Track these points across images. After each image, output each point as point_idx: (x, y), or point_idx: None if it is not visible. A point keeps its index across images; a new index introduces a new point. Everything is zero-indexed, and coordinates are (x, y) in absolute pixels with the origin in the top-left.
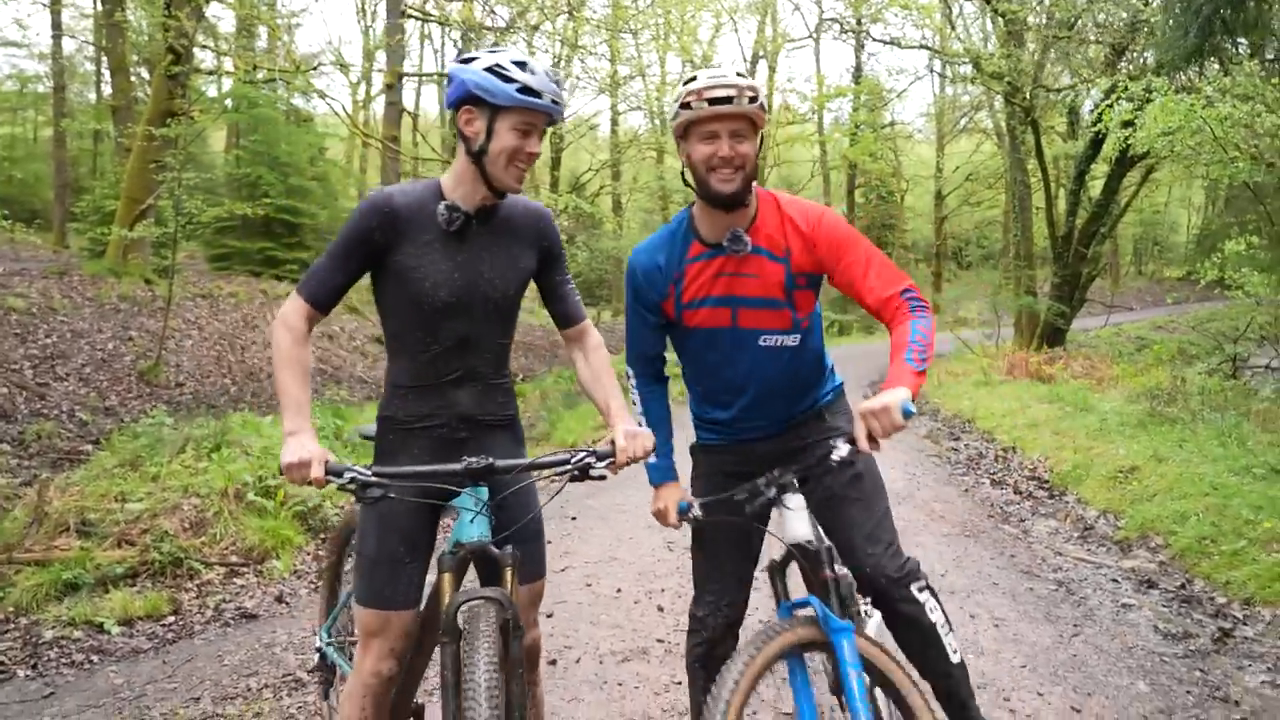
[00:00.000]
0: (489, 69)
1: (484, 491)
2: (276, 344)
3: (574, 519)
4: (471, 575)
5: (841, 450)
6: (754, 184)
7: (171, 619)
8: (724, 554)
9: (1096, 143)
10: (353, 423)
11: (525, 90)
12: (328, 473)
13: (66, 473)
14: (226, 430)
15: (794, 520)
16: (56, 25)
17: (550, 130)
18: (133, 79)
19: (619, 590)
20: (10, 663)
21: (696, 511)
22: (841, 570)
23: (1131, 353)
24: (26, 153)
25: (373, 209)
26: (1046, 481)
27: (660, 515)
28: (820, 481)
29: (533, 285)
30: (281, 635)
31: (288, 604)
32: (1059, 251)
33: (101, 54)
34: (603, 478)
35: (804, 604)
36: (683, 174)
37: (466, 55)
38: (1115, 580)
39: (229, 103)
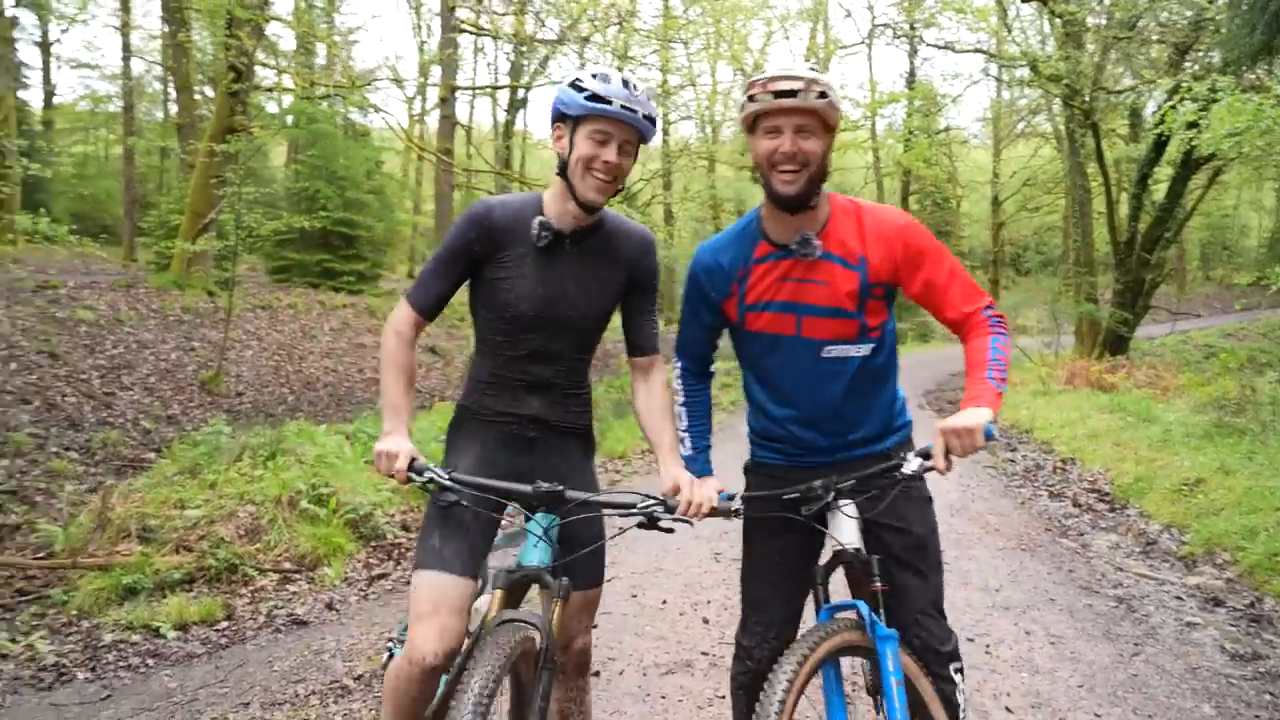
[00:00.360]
0: (571, 83)
1: (552, 518)
2: (385, 348)
3: (620, 528)
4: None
5: (912, 465)
6: (823, 187)
7: (225, 624)
8: (777, 581)
9: (1160, 145)
10: None
11: (594, 98)
12: (410, 469)
13: (130, 480)
14: (281, 439)
15: (848, 526)
16: (126, 47)
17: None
18: (197, 97)
19: (664, 601)
20: (71, 665)
21: (738, 504)
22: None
23: (1198, 361)
24: (98, 170)
25: (472, 221)
26: (1107, 494)
27: (695, 507)
28: (880, 501)
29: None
30: (330, 642)
31: (337, 611)
32: (1121, 257)
33: (168, 74)
34: (671, 530)
35: (848, 607)
36: (752, 172)
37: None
38: (1179, 597)
39: (290, 119)
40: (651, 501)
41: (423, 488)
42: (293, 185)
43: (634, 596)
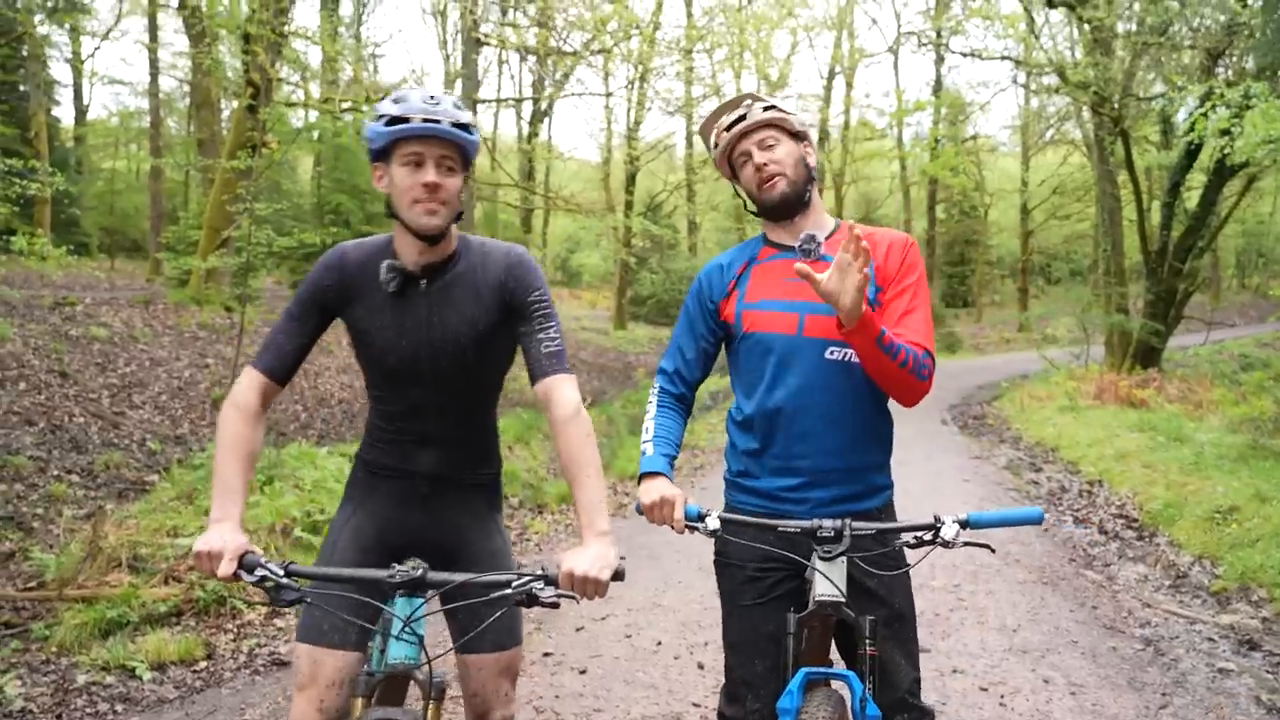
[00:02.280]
0: (375, 118)
1: (417, 603)
2: (221, 424)
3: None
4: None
5: (951, 531)
6: (815, 190)
7: (204, 664)
8: (771, 652)
9: (1191, 152)
10: None
11: (392, 121)
12: (241, 566)
13: (128, 504)
14: (280, 463)
15: (833, 576)
16: (154, 63)
17: (627, 152)
18: (224, 113)
19: (659, 644)
20: (38, 710)
21: (714, 523)
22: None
23: (1234, 372)
24: (127, 185)
25: (325, 267)
26: (1135, 520)
27: (655, 510)
28: (870, 565)
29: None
30: None
31: None
32: (1153, 266)
33: (192, 90)
34: (555, 605)
35: (838, 677)
36: (746, 207)
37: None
38: (1211, 639)
39: (315, 134)
40: (527, 577)
41: (259, 586)
42: (316, 199)
43: (628, 637)
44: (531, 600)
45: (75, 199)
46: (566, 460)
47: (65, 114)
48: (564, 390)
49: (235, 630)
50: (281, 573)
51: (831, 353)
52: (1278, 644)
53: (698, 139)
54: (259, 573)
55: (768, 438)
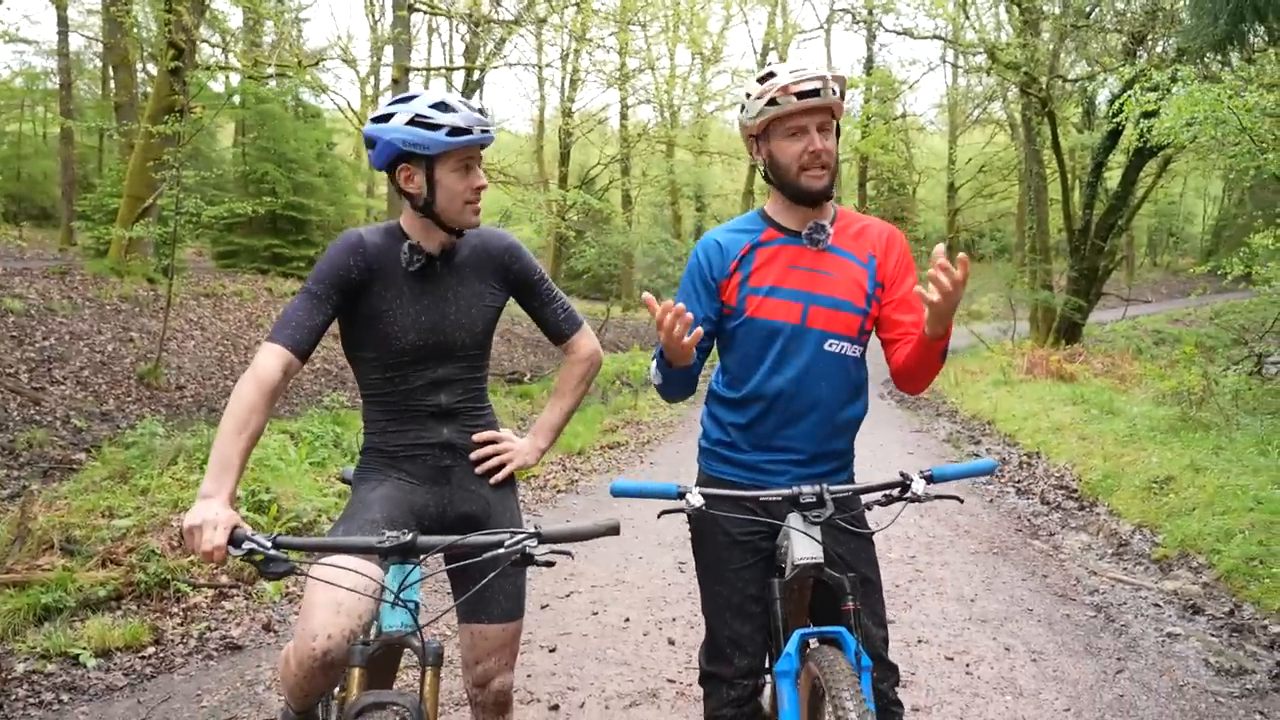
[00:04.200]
0: (411, 121)
1: (410, 570)
2: (237, 395)
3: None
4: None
5: (920, 486)
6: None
7: (152, 649)
8: (754, 612)
9: (1114, 134)
10: (354, 429)
11: (454, 131)
12: (229, 541)
13: (56, 484)
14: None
15: (810, 541)
16: (63, 21)
17: (561, 125)
18: (138, 75)
19: (627, 620)
20: None
21: (696, 500)
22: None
23: (1149, 347)
24: (35, 150)
25: (348, 245)
26: (1075, 491)
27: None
28: (841, 530)
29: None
30: (265, 670)
31: (275, 633)
32: (1076, 244)
33: (107, 50)
34: (550, 564)
35: (830, 634)
36: (765, 173)
37: (379, 114)
38: (1157, 605)
39: (236, 99)
40: (520, 535)
41: (248, 561)
42: (240, 167)
43: (594, 614)
44: (526, 559)
45: None
46: (557, 384)
47: None
48: (584, 340)
49: (182, 614)
50: (269, 545)
51: (830, 344)
52: (1219, 608)
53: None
54: (246, 546)
55: (760, 418)
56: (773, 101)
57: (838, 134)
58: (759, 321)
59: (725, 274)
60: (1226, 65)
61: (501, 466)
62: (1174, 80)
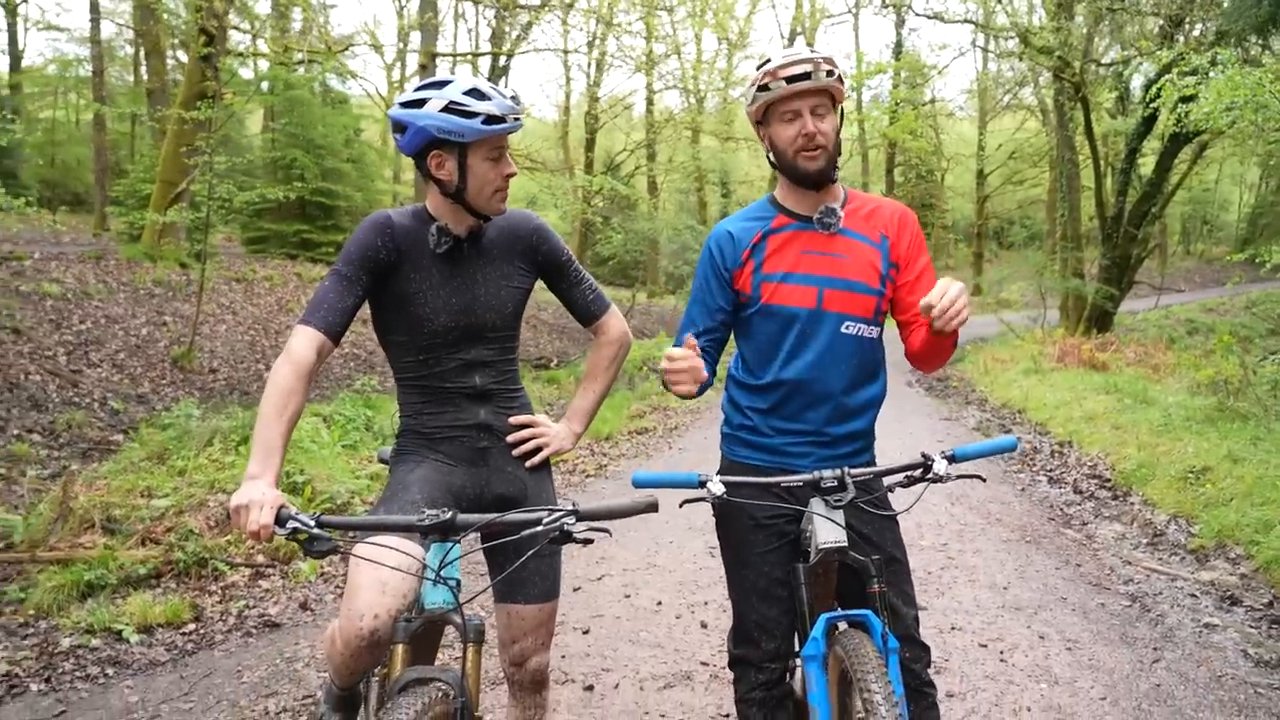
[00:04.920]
0: (446, 108)
1: (449, 548)
2: (273, 380)
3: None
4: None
5: (941, 466)
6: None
7: (192, 626)
8: (781, 596)
9: (1149, 119)
10: (385, 412)
11: (490, 120)
12: (275, 521)
13: (95, 465)
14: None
15: (833, 524)
16: (95, 8)
17: (587, 111)
18: (169, 62)
19: (659, 603)
20: (25, 675)
21: (718, 488)
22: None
23: (1182, 336)
24: (69, 136)
25: (376, 226)
26: (1108, 480)
27: (673, 359)
28: (864, 512)
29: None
30: (304, 648)
31: (313, 611)
32: (1108, 232)
33: (139, 37)
34: (588, 542)
35: (857, 618)
36: (769, 157)
37: (409, 99)
38: (1193, 595)
39: (265, 85)
40: (558, 512)
41: (293, 539)
42: (269, 153)
43: (627, 597)
44: (565, 537)
45: (13, 150)
46: (586, 367)
47: (0, 61)
48: (614, 321)
49: (220, 592)
50: (313, 524)
51: (847, 326)
52: (1258, 599)
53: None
54: (291, 525)
55: (781, 402)
56: (764, 87)
57: (842, 117)
58: (775, 308)
59: (738, 263)
60: (1268, 48)
61: (537, 450)
62: (1213, 64)
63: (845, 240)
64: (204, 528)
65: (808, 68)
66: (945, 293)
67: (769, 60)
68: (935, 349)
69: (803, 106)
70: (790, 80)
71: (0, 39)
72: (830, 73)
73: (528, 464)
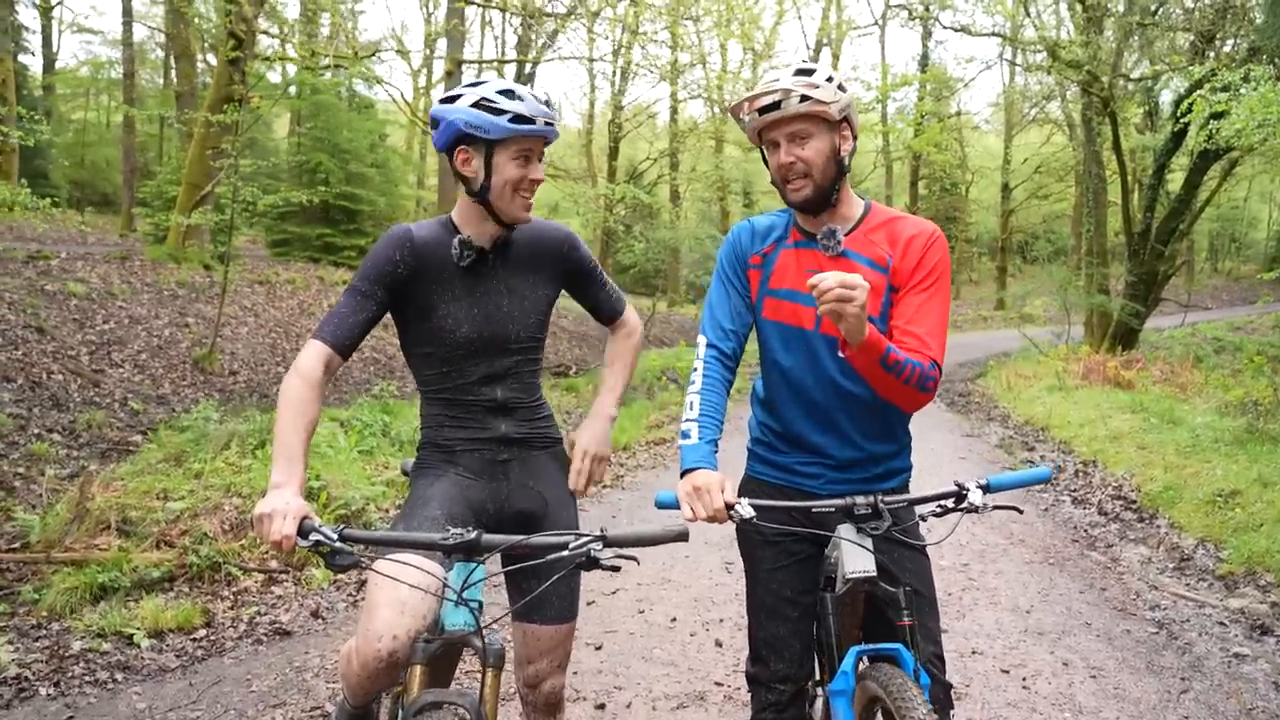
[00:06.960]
0: (476, 104)
1: (473, 568)
2: (284, 391)
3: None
4: None
5: (977, 496)
6: (846, 183)
7: (203, 632)
8: (793, 617)
9: (1179, 135)
10: (403, 419)
11: (518, 119)
12: (298, 531)
13: (113, 465)
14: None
15: (861, 552)
16: (127, 11)
17: (611, 119)
18: (198, 65)
19: (674, 620)
20: (34, 678)
21: (746, 511)
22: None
23: (1209, 355)
24: (99, 137)
25: (394, 241)
26: (1134, 502)
27: (697, 495)
28: (891, 541)
29: None
30: (314, 658)
31: (324, 619)
32: (1135, 248)
33: (169, 40)
34: (615, 569)
35: (887, 651)
36: (772, 181)
37: (447, 95)
38: (1222, 623)
39: (291, 89)
40: (586, 538)
41: (314, 552)
42: (294, 157)
43: (641, 613)
44: (591, 563)
45: (44, 150)
46: (611, 362)
47: (33, 62)
48: (630, 312)
49: (232, 598)
50: (336, 537)
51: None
52: None
53: (683, 107)
54: (314, 537)
55: (790, 421)
56: (740, 118)
57: (855, 133)
58: (776, 325)
59: (755, 250)
60: None
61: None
62: (1245, 80)
63: (849, 264)
64: (218, 531)
65: (777, 97)
66: (840, 277)
67: (751, 88)
68: (869, 376)
69: (778, 136)
70: (762, 111)
71: (34, 41)
72: (804, 98)
73: (579, 490)
